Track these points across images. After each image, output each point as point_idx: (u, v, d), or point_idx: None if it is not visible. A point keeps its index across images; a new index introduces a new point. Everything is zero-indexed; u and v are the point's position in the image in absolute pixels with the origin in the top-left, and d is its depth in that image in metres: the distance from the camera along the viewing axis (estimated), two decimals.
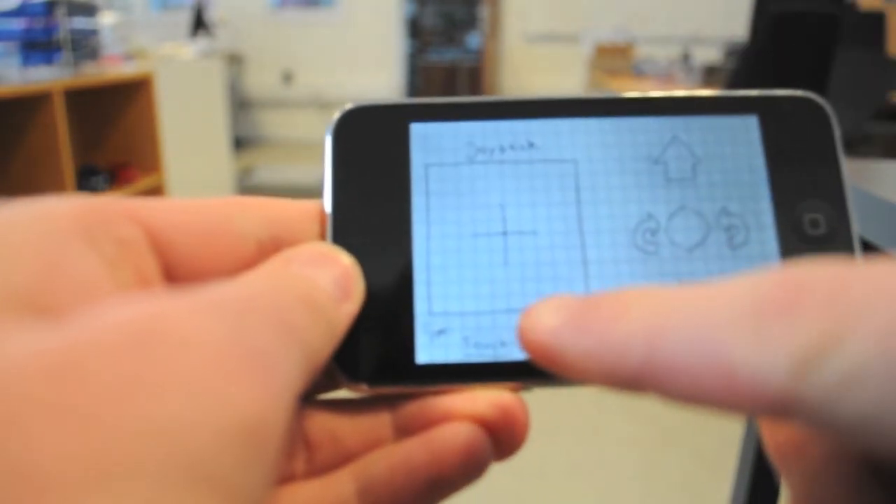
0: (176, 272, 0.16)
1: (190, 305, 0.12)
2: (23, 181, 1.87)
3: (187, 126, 2.70)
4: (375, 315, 0.17)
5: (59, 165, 1.86)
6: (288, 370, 0.13)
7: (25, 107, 1.81)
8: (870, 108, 2.83)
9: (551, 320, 0.13)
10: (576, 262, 0.17)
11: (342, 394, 0.18)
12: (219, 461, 0.10)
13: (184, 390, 0.10)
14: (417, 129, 0.18)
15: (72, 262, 0.13)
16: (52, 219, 0.13)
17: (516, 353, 0.17)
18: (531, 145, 0.18)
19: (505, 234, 0.17)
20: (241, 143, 5.60)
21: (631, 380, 0.12)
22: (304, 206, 0.18)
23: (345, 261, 0.17)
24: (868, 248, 0.64)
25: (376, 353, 0.17)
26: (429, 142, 0.18)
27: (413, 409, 0.17)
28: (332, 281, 0.16)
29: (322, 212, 0.18)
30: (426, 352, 0.17)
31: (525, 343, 0.14)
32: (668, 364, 0.12)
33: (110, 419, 0.10)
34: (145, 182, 2.30)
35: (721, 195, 0.17)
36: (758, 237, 0.17)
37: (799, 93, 0.18)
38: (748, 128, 0.18)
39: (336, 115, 0.18)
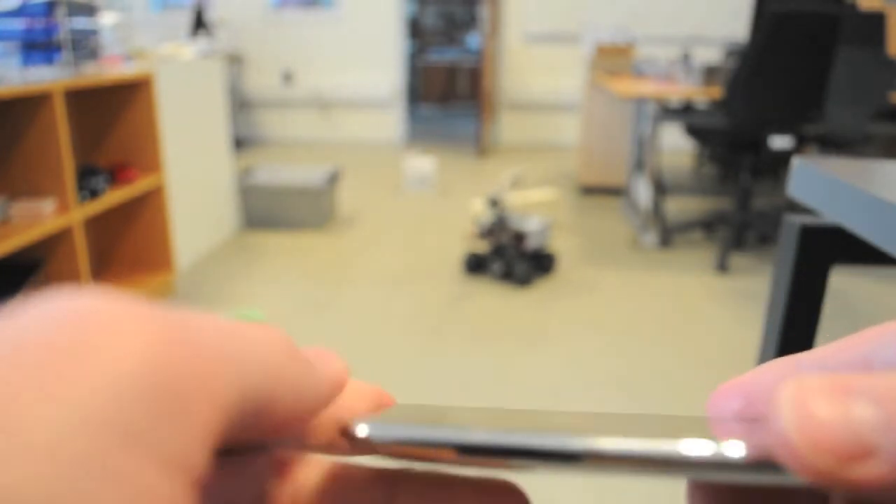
0: None
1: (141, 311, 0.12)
2: (23, 181, 1.87)
3: (187, 126, 2.70)
4: None
5: (59, 165, 1.86)
6: (229, 357, 0.12)
7: (25, 107, 1.81)
8: (870, 108, 2.83)
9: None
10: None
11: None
12: (117, 408, 0.10)
13: (80, 333, 0.11)
14: None
15: None
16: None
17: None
18: None
19: None
20: (241, 143, 5.60)
21: None
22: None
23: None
24: (868, 248, 0.64)
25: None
26: None
27: None
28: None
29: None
30: None
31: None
32: None
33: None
34: (145, 182, 2.31)
35: None
36: None
37: None
38: None
39: None
